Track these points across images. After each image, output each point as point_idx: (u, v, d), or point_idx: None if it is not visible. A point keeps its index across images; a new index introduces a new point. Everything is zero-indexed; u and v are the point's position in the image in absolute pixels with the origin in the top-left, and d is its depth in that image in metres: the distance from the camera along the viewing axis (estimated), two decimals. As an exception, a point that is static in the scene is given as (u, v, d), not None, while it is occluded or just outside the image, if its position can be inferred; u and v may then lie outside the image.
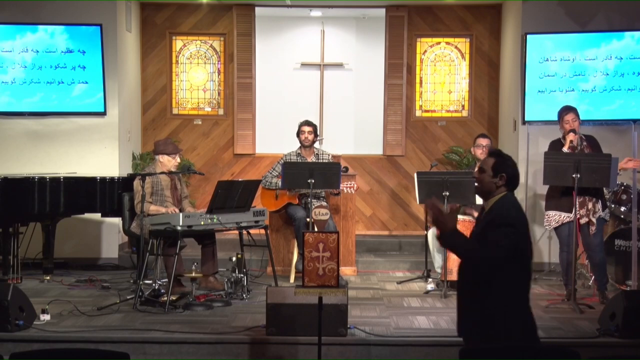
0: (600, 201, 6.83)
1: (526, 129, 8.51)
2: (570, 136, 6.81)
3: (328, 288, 4.67)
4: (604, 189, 6.99)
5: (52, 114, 8.79)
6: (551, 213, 6.92)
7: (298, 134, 7.93)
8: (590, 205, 6.79)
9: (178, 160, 7.24)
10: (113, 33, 8.80)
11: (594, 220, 6.77)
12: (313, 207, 7.33)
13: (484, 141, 7.77)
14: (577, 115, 6.91)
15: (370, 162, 10.09)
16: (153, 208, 6.97)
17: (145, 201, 6.68)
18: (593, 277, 7.36)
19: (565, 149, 6.79)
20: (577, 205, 6.63)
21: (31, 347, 5.26)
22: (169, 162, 7.13)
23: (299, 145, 7.96)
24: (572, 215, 6.71)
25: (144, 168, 8.62)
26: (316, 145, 8.09)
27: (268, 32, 10.43)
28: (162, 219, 6.68)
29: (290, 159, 7.87)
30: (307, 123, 7.93)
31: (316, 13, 10.35)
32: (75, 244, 8.72)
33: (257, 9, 10.00)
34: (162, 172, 7.06)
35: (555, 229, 6.94)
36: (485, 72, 9.96)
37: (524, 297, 3.97)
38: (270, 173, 7.94)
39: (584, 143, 6.91)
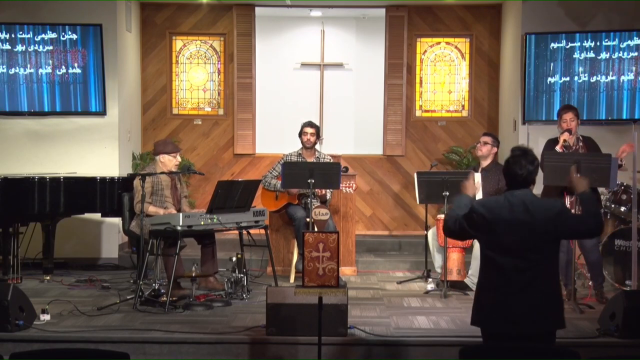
0: None
1: (526, 129, 8.50)
2: (565, 136, 6.75)
3: (328, 288, 4.67)
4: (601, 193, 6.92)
5: (52, 114, 8.79)
6: None
7: (300, 135, 7.92)
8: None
9: (179, 159, 7.23)
10: (113, 33, 8.80)
11: None
12: (313, 207, 7.33)
13: (483, 139, 7.76)
14: (576, 115, 6.83)
15: (370, 162, 10.09)
16: (152, 209, 6.95)
17: (145, 201, 6.68)
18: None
19: (557, 149, 6.76)
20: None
21: (31, 347, 5.26)
22: (169, 161, 7.12)
23: (300, 146, 7.95)
24: None
25: (143, 168, 8.61)
26: (317, 147, 8.07)
27: (268, 32, 10.42)
28: (162, 219, 6.67)
29: (291, 159, 7.86)
30: (310, 124, 7.88)
31: (316, 13, 10.35)
32: (75, 244, 8.72)
33: (257, 9, 10.00)
34: (163, 172, 7.06)
35: None
36: (485, 72, 9.96)
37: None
38: (270, 173, 7.94)
39: (580, 144, 6.83)
